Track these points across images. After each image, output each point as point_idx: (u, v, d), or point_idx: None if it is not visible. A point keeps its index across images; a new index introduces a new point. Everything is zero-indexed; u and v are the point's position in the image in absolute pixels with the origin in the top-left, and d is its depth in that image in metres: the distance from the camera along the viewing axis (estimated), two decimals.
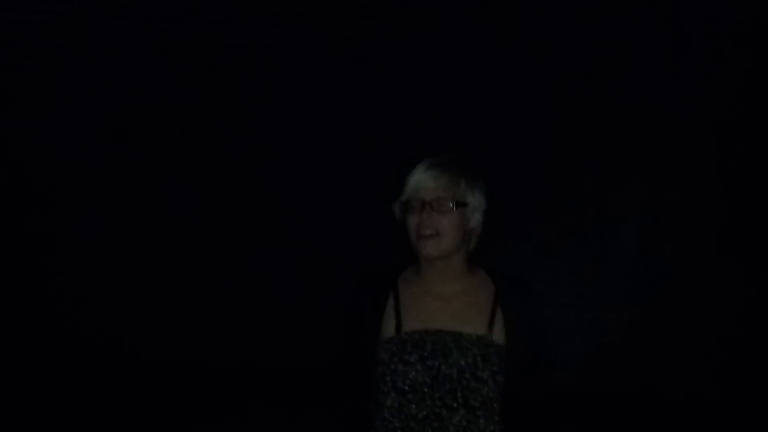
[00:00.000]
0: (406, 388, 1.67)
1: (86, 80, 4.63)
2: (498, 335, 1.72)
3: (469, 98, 4.49)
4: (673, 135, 4.38)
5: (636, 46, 4.37)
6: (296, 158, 4.64)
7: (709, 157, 4.35)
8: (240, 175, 4.68)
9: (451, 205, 1.71)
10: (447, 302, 1.75)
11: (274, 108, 4.63)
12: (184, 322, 4.71)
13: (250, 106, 4.64)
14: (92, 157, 4.68)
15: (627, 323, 4.43)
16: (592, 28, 4.39)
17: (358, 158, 4.56)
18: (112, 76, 4.62)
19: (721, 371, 4.30)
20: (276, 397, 4.30)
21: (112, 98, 4.63)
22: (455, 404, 1.66)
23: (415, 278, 1.80)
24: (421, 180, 1.72)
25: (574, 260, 4.44)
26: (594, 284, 4.48)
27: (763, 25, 4.19)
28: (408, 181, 1.74)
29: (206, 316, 4.73)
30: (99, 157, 4.68)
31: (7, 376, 4.31)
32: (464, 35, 4.49)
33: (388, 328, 1.74)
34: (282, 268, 4.68)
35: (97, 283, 4.73)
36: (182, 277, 4.72)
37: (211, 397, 4.35)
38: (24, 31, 4.56)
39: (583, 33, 4.39)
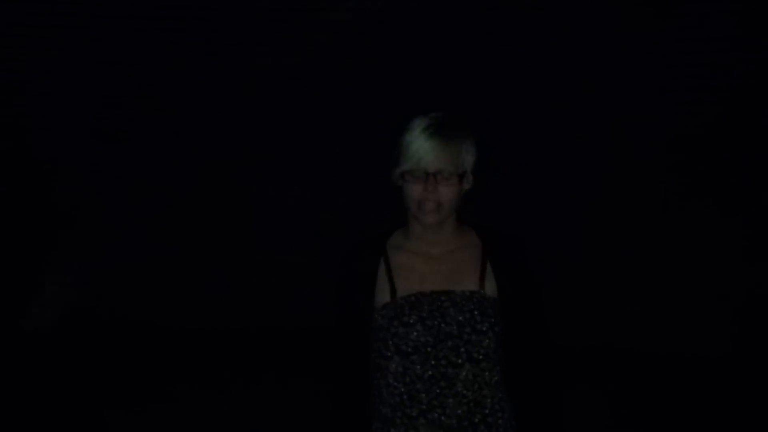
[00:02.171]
0: (410, 350, 1.68)
1: (84, 76, 4.66)
2: (491, 289, 1.73)
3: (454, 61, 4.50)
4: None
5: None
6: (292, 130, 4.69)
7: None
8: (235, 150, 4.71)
9: (455, 176, 1.68)
10: (438, 263, 1.75)
11: (263, 86, 4.67)
12: (182, 290, 4.77)
13: (242, 80, 4.68)
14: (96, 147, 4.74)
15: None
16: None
17: (352, 125, 4.58)
18: (111, 75, 4.66)
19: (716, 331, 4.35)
20: (275, 360, 4.37)
21: (112, 94, 4.68)
22: (459, 360, 1.67)
23: (404, 242, 1.79)
24: (424, 149, 1.66)
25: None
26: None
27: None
28: (407, 147, 1.68)
29: (202, 283, 4.79)
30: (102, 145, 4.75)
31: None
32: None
33: (383, 295, 1.73)
34: (279, 232, 4.73)
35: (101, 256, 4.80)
36: (181, 246, 4.77)
37: (210, 362, 4.43)
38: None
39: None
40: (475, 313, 1.69)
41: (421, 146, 1.67)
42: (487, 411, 1.70)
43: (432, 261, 1.76)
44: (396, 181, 1.73)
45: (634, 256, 4.50)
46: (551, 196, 4.47)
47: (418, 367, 1.68)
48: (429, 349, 1.68)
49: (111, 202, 4.83)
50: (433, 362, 1.67)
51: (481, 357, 1.68)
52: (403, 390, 1.69)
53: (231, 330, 4.67)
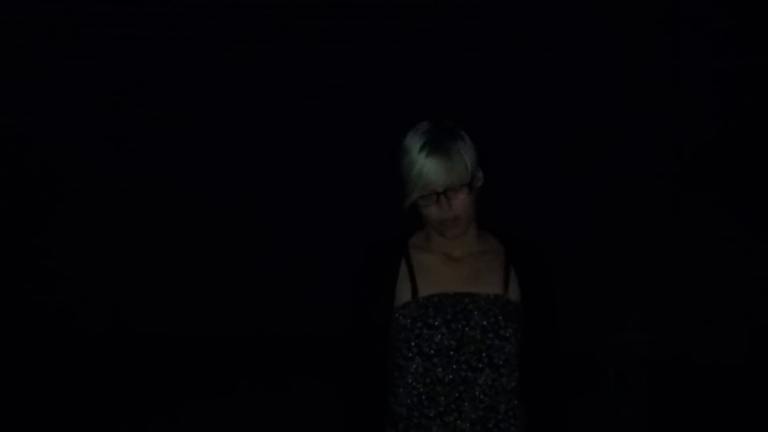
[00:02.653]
0: (432, 352, 1.67)
1: (85, 77, 4.63)
2: (514, 294, 1.74)
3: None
4: None
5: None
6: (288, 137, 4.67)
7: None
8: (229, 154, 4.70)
9: (465, 186, 1.66)
10: (460, 264, 1.76)
11: (262, 95, 4.65)
12: (184, 299, 4.76)
13: (244, 85, 4.65)
14: (92, 149, 4.70)
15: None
16: None
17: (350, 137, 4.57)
18: (114, 71, 4.62)
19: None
20: (279, 367, 4.36)
21: (113, 93, 4.64)
22: (480, 365, 1.67)
23: (425, 242, 1.79)
24: (426, 171, 1.63)
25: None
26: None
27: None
28: (409, 173, 1.65)
29: (205, 291, 4.77)
30: (99, 149, 4.70)
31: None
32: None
33: (404, 294, 1.73)
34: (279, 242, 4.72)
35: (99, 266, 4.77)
36: (184, 251, 4.76)
37: (215, 371, 4.39)
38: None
39: None
40: (500, 318, 1.69)
41: (422, 169, 1.64)
42: (500, 417, 1.70)
43: (454, 262, 1.76)
44: (408, 208, 1.71)
45: (644, 260, 4.49)
46: (555, 200, 4.46)
47: (440, 369, 1.68)
48: (452, 353, 1.67)
49: (112, 206, 4.81)
50: (454, 366, 1.67)
51: (501, 363, 1.68)
52: (422, 390, 1.69)
53: (233, 338, 4.64)
